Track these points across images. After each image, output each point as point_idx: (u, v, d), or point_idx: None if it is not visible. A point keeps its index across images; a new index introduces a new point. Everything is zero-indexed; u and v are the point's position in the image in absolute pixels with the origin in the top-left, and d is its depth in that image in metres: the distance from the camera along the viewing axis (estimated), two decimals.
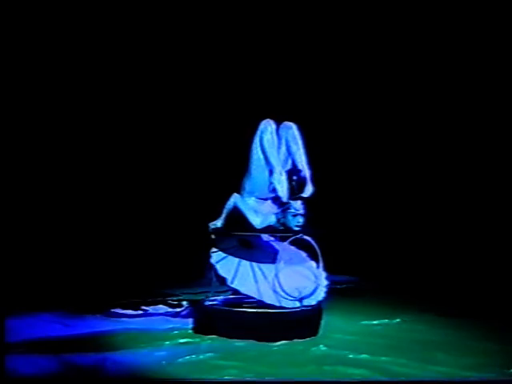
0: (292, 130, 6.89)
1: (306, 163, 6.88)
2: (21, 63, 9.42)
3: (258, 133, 6.80)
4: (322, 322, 6.84)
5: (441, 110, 10.60)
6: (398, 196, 10.59)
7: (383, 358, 5.95)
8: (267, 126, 6.82)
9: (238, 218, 6.83)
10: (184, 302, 7.94)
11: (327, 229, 7.08)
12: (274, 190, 6.80)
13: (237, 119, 9.51)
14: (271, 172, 6.77)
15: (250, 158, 6.84)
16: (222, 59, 10.41)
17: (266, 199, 6.86)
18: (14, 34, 9.16)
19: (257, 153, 6.80)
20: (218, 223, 6.96)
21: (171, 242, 9.83)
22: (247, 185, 6.87)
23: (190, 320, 7.07)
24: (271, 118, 6.88)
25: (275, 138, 6.83)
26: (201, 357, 5.93)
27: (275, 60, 10.37)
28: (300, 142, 6.89)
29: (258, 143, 6.79)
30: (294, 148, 6.87)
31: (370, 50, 10.58)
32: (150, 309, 7.74)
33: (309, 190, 6.84)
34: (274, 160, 6.75)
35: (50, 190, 9.93)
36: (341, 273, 9.35)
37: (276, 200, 6.84)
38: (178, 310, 7.72)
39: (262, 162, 6.78)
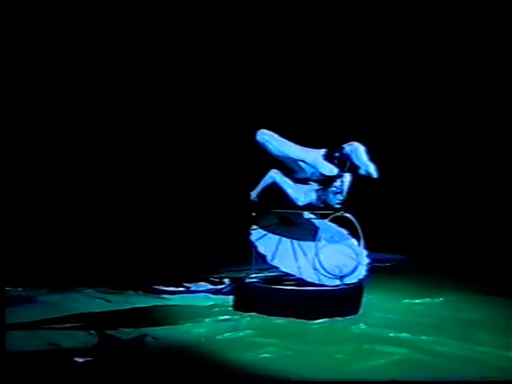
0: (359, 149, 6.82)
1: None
2: (21, 63, 9.49)
3: (263, 148, 6.84)
4: (364, 301, 6.77)
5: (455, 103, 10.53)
6: (446, 175, 10.46)
7: (424, 338, 5.87)
8: (263, 137, 6.82)
9: (278, 195, 6.80)
10: (226, 280, 7.97)
11: (376, 207, 7.04)
12: (313, 173, 6.77)
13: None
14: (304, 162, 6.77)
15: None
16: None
17: (307, 179, 6.82)
18: (14, 35, 9.20)
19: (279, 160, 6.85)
20: (254, 194, 6.90)
21: (214, 220, 9.85)
22: (289, 166, 6.86)
23: (231, 297, 7.07)
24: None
25: (277, 137, 6.82)
26: (240, 334, 5.94)
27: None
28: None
29: (272, 155, 6.82)
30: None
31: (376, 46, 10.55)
32: (192, 286, 7.78)
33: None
34: (295, 155, 6.76)
35: (94, 167, 10.04)
36: (387, 251, 9.29)
37: (316, 180, 6.79)
38: (220, 287, 7.75)
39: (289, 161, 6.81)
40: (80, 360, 5.13)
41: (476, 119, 10.62)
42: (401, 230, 9.91)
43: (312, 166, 6.73)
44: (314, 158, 6.73)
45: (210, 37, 10.34)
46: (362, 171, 6.70)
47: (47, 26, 9.65)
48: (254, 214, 6.99)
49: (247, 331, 6.02)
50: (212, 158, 10.44)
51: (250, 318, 6.43)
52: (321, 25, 10.41)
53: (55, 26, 9.70)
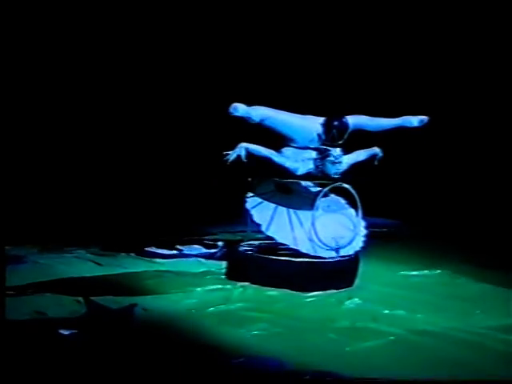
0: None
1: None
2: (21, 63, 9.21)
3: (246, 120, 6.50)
4: (359, 271, 6.64)
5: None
6: (445, 141, 10.22)
7: (419, 316, 5.74)
8: (234, 112, 6.41)
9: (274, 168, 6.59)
10: (219, 243, 7.81)
11: (370, 174, 6.89)
12: (312, 141, 6.56)
13: None
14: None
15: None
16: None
17: (305, 148, 6.59)
18: (14, 34, 8.90)
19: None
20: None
21: (210, 179, 9.64)
22: (286, 134, 6.60)
23: (224, 263, 6.93)
24: None
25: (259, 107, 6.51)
26: (231, 307, 5.81)
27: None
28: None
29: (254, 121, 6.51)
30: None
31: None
32: (185, 249, 7.63)
33: None
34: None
35: (86, 129, 9.82)
36: (382, 216, 9.09)
37: (315, 149, 6.58)
38: (213, 251, 7.61)
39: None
40: (65, 332, 5.00)
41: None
42: (397, 194, 9.69)
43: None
44: (308, 124, 6.54)
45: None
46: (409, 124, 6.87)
47: (47, 25, 9.36)
48: (250, 180, 6.82)
49: (239, 304, 5.88)
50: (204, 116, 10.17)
51: (242, 289, 6.29)
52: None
53: (55, 25, 9.41)
